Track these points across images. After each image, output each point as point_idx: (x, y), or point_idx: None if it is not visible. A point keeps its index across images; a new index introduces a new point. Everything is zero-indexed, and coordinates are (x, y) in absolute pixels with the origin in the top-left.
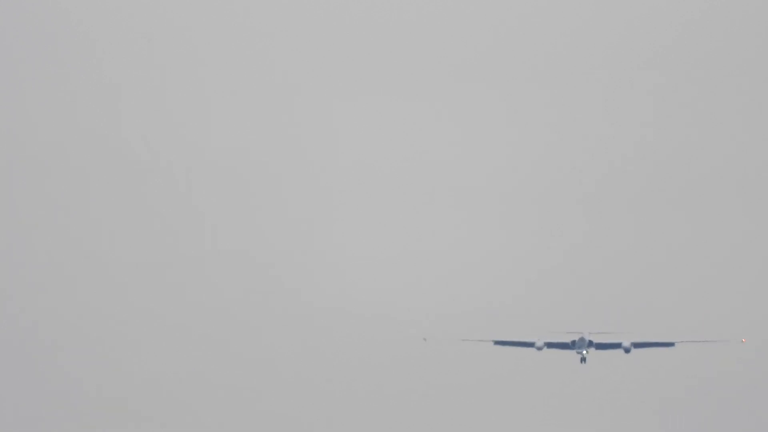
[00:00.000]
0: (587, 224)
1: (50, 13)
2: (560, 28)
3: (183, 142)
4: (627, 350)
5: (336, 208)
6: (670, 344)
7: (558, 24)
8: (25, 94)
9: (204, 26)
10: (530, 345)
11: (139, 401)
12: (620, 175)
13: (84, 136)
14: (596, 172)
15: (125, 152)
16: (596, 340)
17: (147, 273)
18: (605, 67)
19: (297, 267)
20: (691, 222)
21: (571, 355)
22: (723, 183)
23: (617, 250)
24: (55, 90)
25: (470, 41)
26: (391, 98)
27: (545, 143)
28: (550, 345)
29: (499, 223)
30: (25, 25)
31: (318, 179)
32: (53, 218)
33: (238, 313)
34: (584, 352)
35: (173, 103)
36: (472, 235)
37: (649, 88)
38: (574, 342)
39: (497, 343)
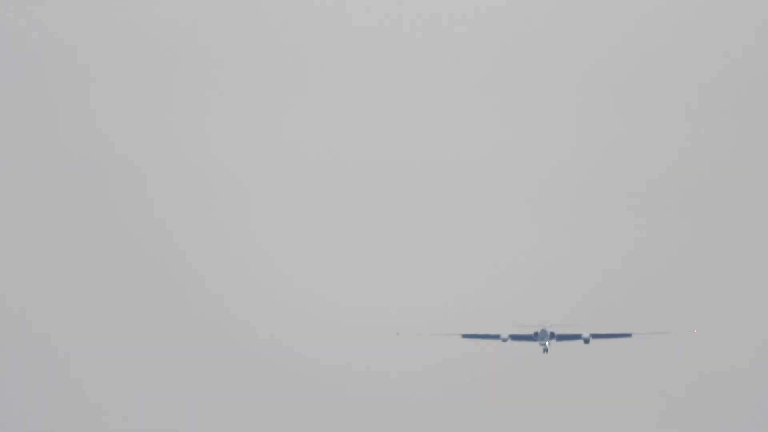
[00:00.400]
0: (548, 220)
1: (61, 20)
2: (574, 27)
3: (177, 146)
4: (586, 341)
5: (300, 205)
6: (627, 335)
7: (571, 23)
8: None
9: (200, 24)
10: (496, 337)
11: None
12: (581, 170)
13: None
14: (565, 169)
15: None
16: (558, 331)
17: (139, 273)
18: (609, 65)
19: (273, 263)
20: (647, 218)
21: (535, 346)
22: (682, 178)
23: (578, 248)
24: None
25: (479, 44)
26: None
27: (501, 140)
28: (514, 337)
29: (466, 222)
30: (48, 30)
31: (285, 178)
32: (52, 217)
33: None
34: (546, 343)
35: (171, 106)
36: (442, 234)
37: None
38: (536, 334)
39: (465, 336)
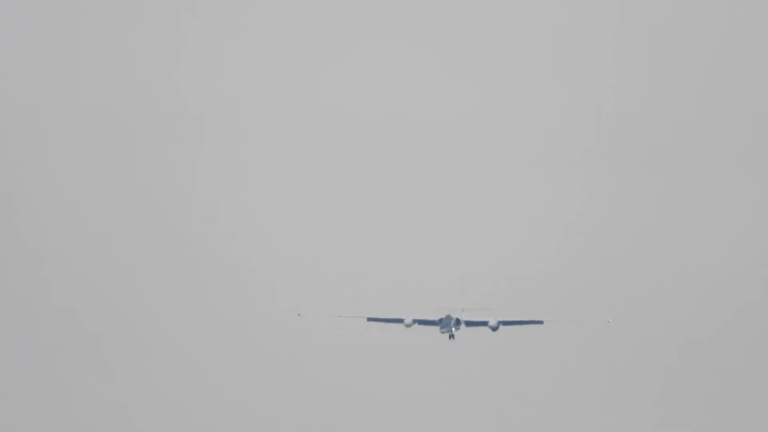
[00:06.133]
0: (456, 200)
1: None
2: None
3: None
4: (494, 328)
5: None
6: (539, 322)
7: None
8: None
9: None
10: (401, 321)
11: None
12: (488, 148)
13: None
14: (472, 144)
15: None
16: (464, 317)
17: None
18: (612, 34)
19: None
20: (567, 198)
21: (439, 331)
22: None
23: (488, 228)
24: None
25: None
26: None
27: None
28: (419, 322)
29: (369, 200)
30: None
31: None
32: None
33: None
34: (452, 329)
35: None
36: (345, 212)
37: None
38: (440, 320)
39: (370, 319)
